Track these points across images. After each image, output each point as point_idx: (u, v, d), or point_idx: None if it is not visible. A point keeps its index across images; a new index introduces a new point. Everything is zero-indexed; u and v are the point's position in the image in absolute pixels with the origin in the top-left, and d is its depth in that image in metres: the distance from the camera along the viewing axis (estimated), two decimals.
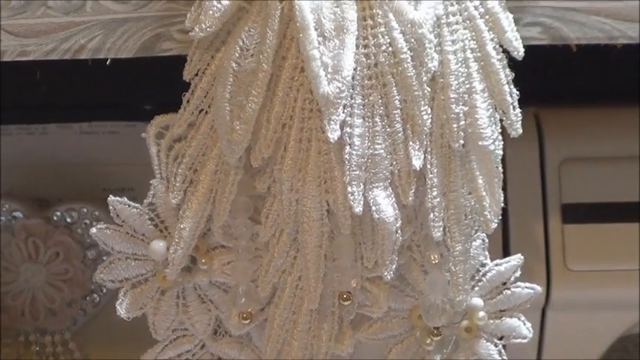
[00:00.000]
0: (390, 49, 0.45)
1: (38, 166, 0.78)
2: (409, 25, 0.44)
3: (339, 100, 0.44)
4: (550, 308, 0.63)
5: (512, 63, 0.48)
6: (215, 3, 0.46)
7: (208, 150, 0.49)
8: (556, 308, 0.62)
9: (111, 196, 0.51)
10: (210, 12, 0.46)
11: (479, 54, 0.46)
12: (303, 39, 0.44)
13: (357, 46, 0.45)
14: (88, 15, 0.50)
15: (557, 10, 0.50)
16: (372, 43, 0.45)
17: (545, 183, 0.64)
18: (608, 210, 0.63)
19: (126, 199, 0.51)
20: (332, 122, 0.44)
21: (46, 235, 0.71)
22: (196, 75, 0.49)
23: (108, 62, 0.51)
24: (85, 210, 0.68)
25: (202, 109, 0.49)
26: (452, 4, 0.46)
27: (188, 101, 0.49)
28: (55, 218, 0.71)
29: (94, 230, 0.51)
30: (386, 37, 0.45)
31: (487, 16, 0.46)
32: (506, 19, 0.46)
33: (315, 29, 0.44)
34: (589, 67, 0.64)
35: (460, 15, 0.46)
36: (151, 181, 0.50)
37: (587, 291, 0.62)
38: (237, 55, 0.46)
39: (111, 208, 0.51)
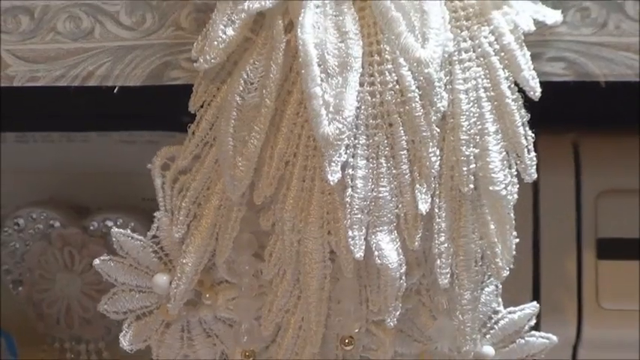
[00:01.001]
0: (397, 87, 0.43)
1: (79, 173, 0.79)
2: (415, 64, 0.41)
3: (339, 142, 0.42)
4: (581, 346, 0.61)
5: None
6: (220, 33, 0.45)
7: (212, 184, 0.48)
8: (587, 347, 0.60)
9: (114, 228, 0.50)
10: (215, 43, 0.45)
11: (492, 93, 0.44)
12: (305, 75, 0.42)
13: (362, 84, 0.43)
14: (97, 41, 0.50)
15: (582, 45, 0.47)
16: (379, 80, 0.43)
17: (580, 215, 0.61)
18: None
19: (129, 232, 0.50)
20: (332, 164, 0.42)
21: (82, 244, 0.72)
22: (202, 107, 0.47)
23: (115, 90, 0.50)
24: (121, 221, 0.68)
25: (207, 142, 0.48)
26: (464, 40, 0.44)
27: (193, 133, 0.48)
28: (91, 228, 0.71)
29: (97, 262, 0.50)
30: (393, 74, 0.43)
31: (502, 53, 0.44)
32: (523, 57, 0.44)
33: (319, 65, 0.42)
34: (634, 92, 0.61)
35: (473, 51, 0.44)
36: (155, 214, 0.49)
37: (620, 330, 0.59)
38: (242, 88, 0.45)
39: (114, 239, 0.50)
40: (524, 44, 0.44)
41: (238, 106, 0.45)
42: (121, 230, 0.49)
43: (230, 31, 0.45)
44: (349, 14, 0.43)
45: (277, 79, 0.44)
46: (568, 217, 0.61)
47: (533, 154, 0.45)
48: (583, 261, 0.60)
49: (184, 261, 0.48)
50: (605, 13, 0.46)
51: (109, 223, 0.71)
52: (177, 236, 0.49)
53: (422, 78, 0.43)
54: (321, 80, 0.42)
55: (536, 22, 0.45)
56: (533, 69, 0.47)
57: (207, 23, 0.46)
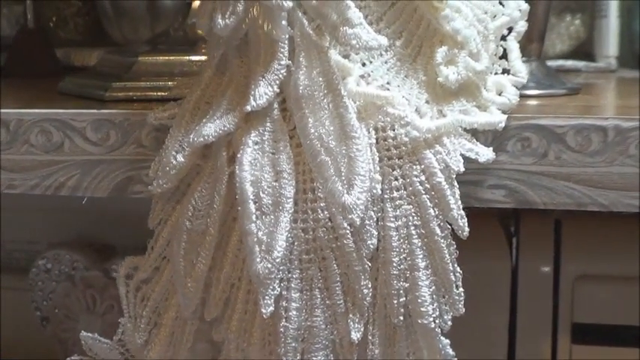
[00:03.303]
0: (330, 224, 0.45)
1: (104, 213, 0.83)
2: (340, 209, 0.43)
3: (268, 281, 0.44)
4: None
5: None
6: (172, 159, 0.47)
7: (170, 296, 0.50)
8: None
9: (82, 332, 0.53)
10: (167, 169, 0.47)
11: (423, 231, 0.45)
12: (241, 212, 0.44)
13: (296, 220, 0.45)
14: (66, 154, 0.52)
15: (523, 174, 0.48)
16: (311, 217, 0.45)
17: (557, 299, 0.62)
18: (620, 332, 0.60)
19: (97, 335, 0.53)
20: (266, 298, 0.44)
21: (103, 287, 0.76)
22: (159, 224, 0.50)
23: (84, 202, 0.53)
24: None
25: (165, 257, 0.50)
26: (396, 179, 0.45)
27: (152, 248, 0.50)
28: (112, 269, 0.74)
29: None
30: (325, 212, 0.45)
31: (433, 192, 0.45)
32: (453, 197, 0.45)
33: (254, 202, 0.44)
34: None
35: (405, 190, 0.45)
36: (120, 320, 0.52)
37: None
38: (190, 214, 0.47)
39: (82, 342, 0.53)
40: (454, 183, 0.45)
41: (187, 230, 0.47)
42: (89, 334, 0.53)
43: (180, 158, 0.47)
44: (285, 153, 0.45)
45: (221, 210, 0.46)
46: (545, 300, 0.62)
47: (461, 289, 0.46)
48: (558, 345, 0.61)
49: None
50: (545, 144, 0.47)
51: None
52: (140, 342, 0.51)
53: None
54: (256, 217, 0.44)
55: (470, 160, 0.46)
56: (475, 195, 0.48)
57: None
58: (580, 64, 0.77)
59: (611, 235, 0.62)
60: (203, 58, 0.57)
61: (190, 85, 0.50)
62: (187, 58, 0.58)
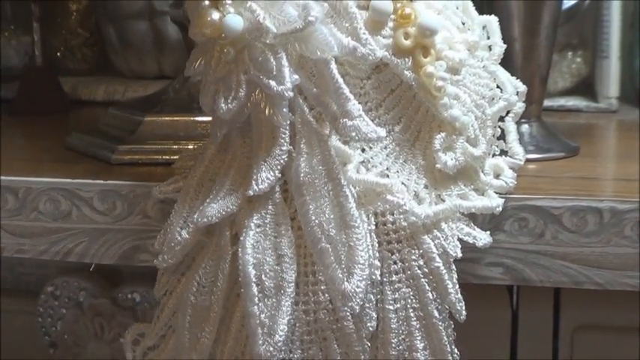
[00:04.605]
0: (330, 306, 0.46)
1: None
2: (340, 297, 0.44)
3: None
4: None
5: None
6: (176, 235, 0.48)
7: None
8: None
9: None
10: (172, 244, 0.48)
11: (421, 313, 0.46)
12: (244, 294, 0.46)
13: (297, 303, 0.46)
14: (74, 222, 0.54)
15: (520, 252, 0.49)
16: (312, 299, 0.46)
17: (557, 348, 0.63)
18: None
19: None
20: None
21: (111, 315, 0.77)
22: (164, 294, 0.51)
23: (92, 268, 0.54)
24: (146, 294, 0.72)
25: (170, 326, 0.51)
26: (395, 263, 0.46)
27: (158, 317, 0.52)
28: (120, 297, 0.76)
29: None
30: (326, 294, 0.46)
31: (431, 277, 0.46)
32: (451, 281, 0.46)
33: (257, 284, 0.45)
34: None
35: (403, 273, 0.46)
36: None
37: None
38: (195, 289, 0.48)
39: None
40: (452, 267, 0.46)
41: (192, 305, 0.49)
42: None
43: (185, 235, 0.48)
44: (286, 236, 0.46)
45: (224, 287, 0.47)
46: (545, 350, 0.63)
47: None
48: None
49: None
50: (542, 224, 0.48)
51: (136, 296, 0.75)
52: None
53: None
54: (258, 300, 0.45)
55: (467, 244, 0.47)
56: (472, 272, 0.49)
57: (170, 214, 0.49)
58: (581, 104, 0.78)
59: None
60: (207, 119, 0.58)
61: (194, 157, 0.51)
62: (192, 118, 0.59)
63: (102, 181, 0.53)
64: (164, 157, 0.57)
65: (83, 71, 0.93)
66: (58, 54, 0.92)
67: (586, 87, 0.81)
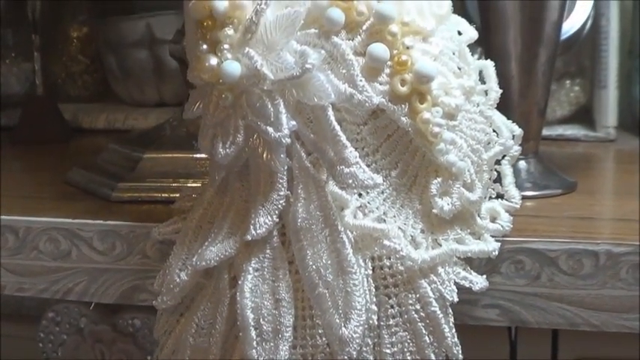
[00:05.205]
0: (328, 349, 0.46)
1: None
2: (337, 342, 0.45)
3: None
4: None
5: None
6: (175, 277, 0.49)
7: None
8: None
9: None
10: (171, 286, 0.49)
11: (418, 357, 0.46)
12: (242, 338, 0.46)
13: (295, 346, 0.46)
14: (74, 262, 0.54)
15: (516, 295, 0.49)
16: (310, 343, 0.46)
17: None
18: None
19: None
20: None
21: (111, 341, 0.77)
22: (164, 334, 0.51)
23: (92, 307, 0.55)
24: (147, 320, 0.72)
25: None
26: (392, 307, 0.46)
27: (157, 357, 0.52)
28: (120, 323, 0.76)
29: None
30: (324, 338, 0.46)
31: (427, 321, 0.46)
32: (447, 325, 0.46)
33: (255, 328, 0.46)
34: None
35: (400, 317, 0.46)
36: None
37: None
38: (194, 330, 0.49)
39: None
40: (449, 311, 0.46)
41: (191, 346, 0.49)
42: None
43: (184, 276, 0.48)
44: (284, 281, 0.46)
45: (223, 330, 0.48)
46: None
47: None
48: None
49: None
50: (538, 267, 0.48)
51: (137, 322, 0.75)
52: None
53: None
54: (257, 344, 0.46)
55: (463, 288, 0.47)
56: (469, 314, 0.49)
57: (169, 254, 0.49)
58: (580, 133, 0.78)
59: None
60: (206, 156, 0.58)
61: (193, 199, 0.51)
62: (191, 155, 0.59)
63: (102, 221, 0.53)
64: (163, 194, 0.58)
65: (84, 98, 0.94)
66: (59, 81, 0.93)
67: (584, 115, 0.82)
